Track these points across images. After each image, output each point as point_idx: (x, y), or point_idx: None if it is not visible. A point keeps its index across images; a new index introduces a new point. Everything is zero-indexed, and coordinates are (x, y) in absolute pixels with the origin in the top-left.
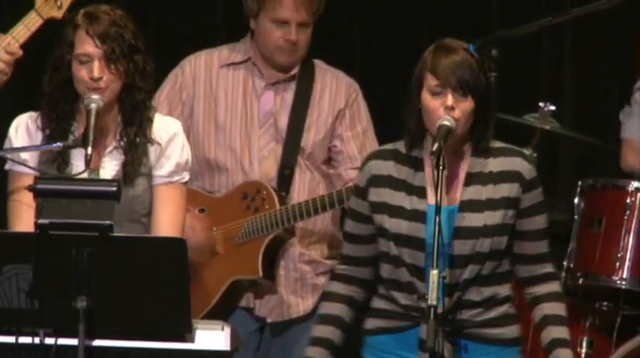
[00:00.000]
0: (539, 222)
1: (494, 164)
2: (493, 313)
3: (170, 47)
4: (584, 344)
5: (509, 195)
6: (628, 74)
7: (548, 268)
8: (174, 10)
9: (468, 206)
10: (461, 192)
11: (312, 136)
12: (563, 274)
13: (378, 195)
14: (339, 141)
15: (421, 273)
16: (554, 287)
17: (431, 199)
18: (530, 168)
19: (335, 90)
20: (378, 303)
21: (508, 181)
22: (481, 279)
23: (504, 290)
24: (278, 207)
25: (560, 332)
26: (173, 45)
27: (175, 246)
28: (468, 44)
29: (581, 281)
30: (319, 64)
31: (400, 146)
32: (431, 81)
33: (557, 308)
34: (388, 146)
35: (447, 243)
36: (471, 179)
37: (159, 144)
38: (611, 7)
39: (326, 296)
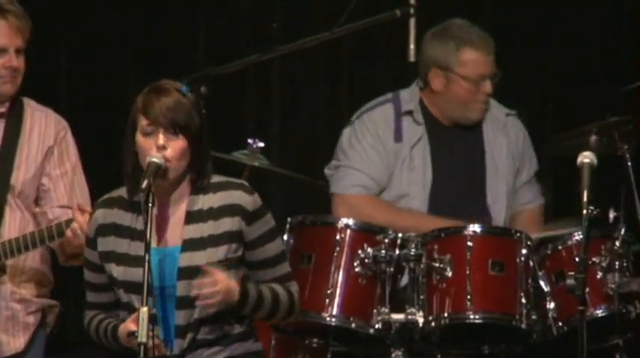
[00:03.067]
0: (271, 249)
1: (214, 199)
2: (232, 351)
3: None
4: None
5: (231, 229)
6: (333, 111)
7: (296, 286)
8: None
9: (190, 245)
10: (182, 232)
11: (22, 174)
12: None
13: (105, 244)
14: (47, 179)
15: (153, 317)
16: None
17: (154, 242)
18: (253, 199)
19: (44, 127)
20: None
21: (229, 215)
22: (213, 317)
23: (241, 325)
24: None
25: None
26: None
27: None
28: (182, 85)
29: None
30: (28, 102)
31: (124, 192)
32: (143, 121)
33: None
34: (114, 193)
35: (173, 285)
36: (192, 217)
37: None
38: (313, 46)
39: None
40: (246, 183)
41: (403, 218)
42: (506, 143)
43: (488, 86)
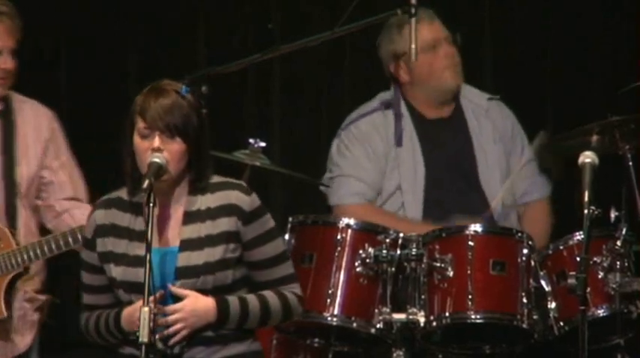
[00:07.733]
0: (269, 250)
1: (212, 199)
2: (233, 350)
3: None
4: None
5: (228, 229)
6: (334, 111)
7: (296, 289)
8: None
9: (188, 245)
10: (180, 232)
11: (24, 170)
12: None
13: (104, 244)
14: (48, 171)
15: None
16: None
17: (155, 242)
18: (250, 199)
19: (37, 120)
20: (125, 348)
21: (226, 215)
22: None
23: None
24: (14, 245)
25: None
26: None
27: None
28: (182, 86)
29: None
30: (13, 95)
31: (123, 193)
32: (140, 123)
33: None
34: (113, 194)
35: (171, 285)
36: (189, 218)
37: None
38: (318, 44)
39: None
40: (244, 184)
41: (401, 226)
42: (491, 128)
43: (446, 48)
